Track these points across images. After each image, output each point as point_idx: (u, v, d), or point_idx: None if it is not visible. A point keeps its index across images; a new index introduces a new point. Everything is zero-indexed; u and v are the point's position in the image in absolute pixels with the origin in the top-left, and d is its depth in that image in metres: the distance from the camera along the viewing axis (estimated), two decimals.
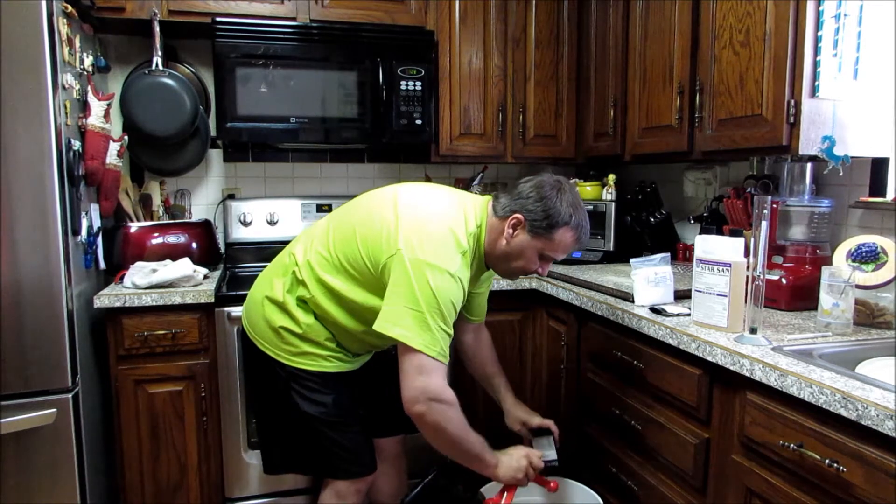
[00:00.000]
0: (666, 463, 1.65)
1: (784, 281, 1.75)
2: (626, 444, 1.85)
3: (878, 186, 1.82)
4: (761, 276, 1.42)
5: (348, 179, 2.92)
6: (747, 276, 1.47)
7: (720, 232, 2.16)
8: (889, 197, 1.79)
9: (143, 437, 2.10)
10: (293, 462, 1.74)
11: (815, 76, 1.59)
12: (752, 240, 1.43)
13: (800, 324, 1.61)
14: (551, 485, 1.78)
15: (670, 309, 1.73)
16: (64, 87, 1.82)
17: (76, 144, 1.93)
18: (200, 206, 2.74)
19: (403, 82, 2.48)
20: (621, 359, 1.83)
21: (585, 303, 2.00)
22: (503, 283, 2.36)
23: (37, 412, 1.77)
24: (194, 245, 2.39)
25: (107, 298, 2.00)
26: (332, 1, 2.46)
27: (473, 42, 2.62)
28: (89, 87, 2.08)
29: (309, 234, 1.68)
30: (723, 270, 1.52)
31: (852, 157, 1.66)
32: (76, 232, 1.91)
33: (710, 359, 1.44)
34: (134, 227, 2.34)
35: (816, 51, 1.59)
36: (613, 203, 2.56)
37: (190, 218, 2.68)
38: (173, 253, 2.31)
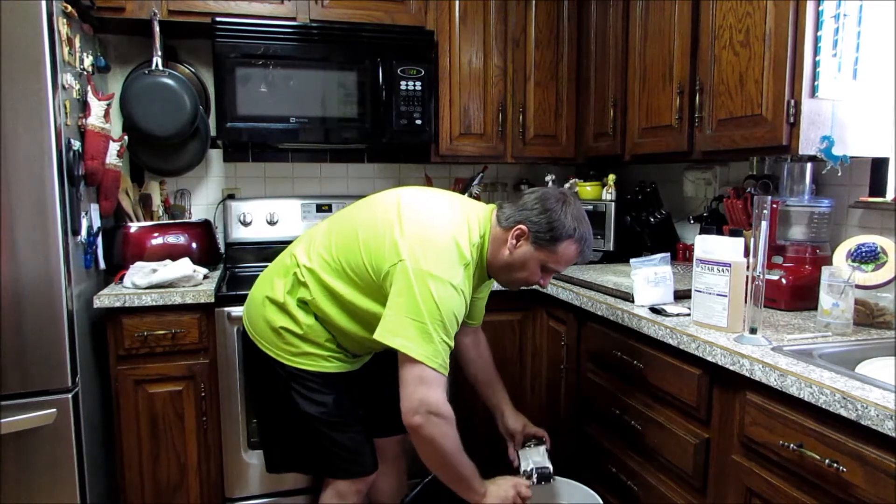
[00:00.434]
0: (666, 463, 1.65)
1: (784, 281, 1.75)
2: (626, 444, 1.85)
3: (877, 186, 1.82)
4: (761, 276, 1.42)
5: (348, 179, 2.92)
6: (747, 276, 1.47)
7: (720, 232, 2.16)
8: (889, 197, 1.79)
9: (143, 437, 2.10)
10: (294, 461, 1.74)
11: (815, 76, 1.59)
12: (752, 240, 1.43)
13: (800, 324, 1.61)
14: None
15: (670, 309, 1.73)
16: (64, 87, 1.82)
17: (76, 144, 1.93)
18: (200, 206, 2.74)
19: (403, 82, 2.48)
20: (621, 359, 1.83)
21: (585, 303, 2.00)
22: None
23: (37, 412, 1.77)
24: (194, 245, 2.39)
25: (107, 298, 2.00)
26: (332, 1, 2.46)
27: (473, 42, 2.62)
28: (89, 87, 2.08)
29: (310, 236, 1.68)
30: (723, 270, 1.52)
31: (852, 157, 1.66)
32: (76, 232, 1.91)
33: (710, 359, 1.44)
34: (134, 227, 2.34)
35: (816, 51, 1.59)
36: (613, 203, 2.56)
37: (190, 218, 2.67)
38: (173, 253, 2.31)
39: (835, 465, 1.13)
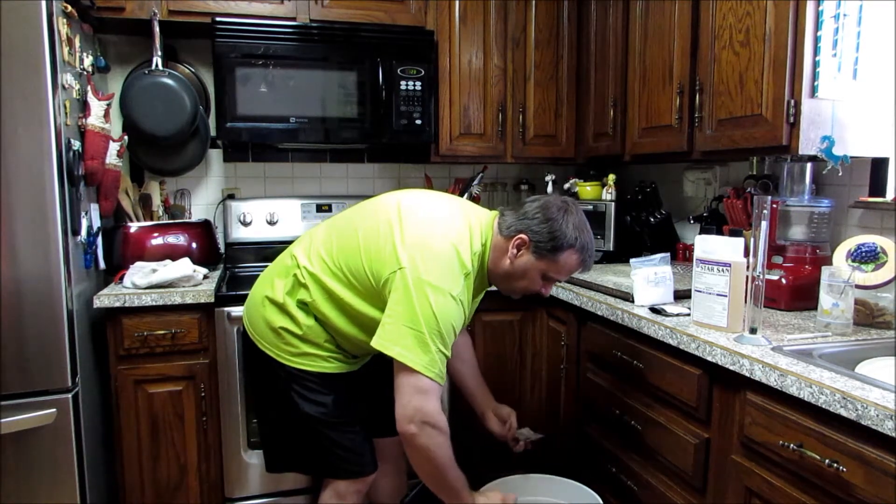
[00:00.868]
0: (666, 463, 1.65)
1: (784, 281, 1.75)
2: (626, 444, 1.85)
3: (877, 186, 1.82)
4: (761, 276, 1.42)
5: (348, 179, 2.92)
6: (747, 276, 1.47)
7: (720, 232, 2.16)
8: (889, 197, 1.79)
9: (143, 437, 2.10)
10: (294, 462, 1.74)
11: (815, 76, 1.59)
12: (752, 240, 1.43)
13: (800, 324, 1.61)
14: None
15: (670, 309, 1.73)
16: (64, 87, 1.82)
17: (76, 144, 1.93)
18: (200, 206, 2.74)
19: (403, 82, 2.48)
20: (621, 359, 1.83)
21: (585, 303, 2.00)
22: None
23: (37, 412, 1.77)
24: (194, 245, 2.39)
25: (107, 298, 2.00)
26: (332, 1, 2.46)
27: (473, 42, 2.62)
28: (89, 87, 2.08)
29: (311, 236, 1.67)
30: (722, 270, 1.52)
31: (852, 157, 1.66)
32: (76, 232, 1.91)
33: (709, 359, 1.44)
34: (134, 227, 2.34)
35: (816, 51, 1.59)
36: (613, 203, 2.56)
37: (190, 218, 2.67)
38: (173, 253, 2.31)
39: (835, 465, 1.13)
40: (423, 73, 2.49)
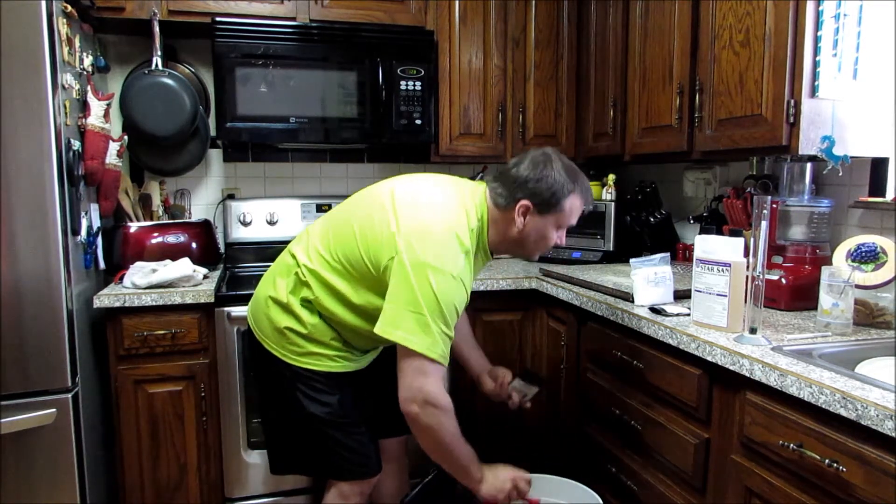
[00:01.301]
0: (666, 463, 1.65)
1: (784, 281, 1.75)
2: (625, 444, 1.85)
3: (877, 186, 1.82)
4: (761, 276, 1.42)
5: (348, 179, 2.92)
6: (747, 276, 1.47)
7: (720, 232, 2.16)
8: (889, 197, 1.79)
9: (143, 437, 2.10)
10: (298, 463, 1.74)
11: (815, 76, 1.59)
12: (752, 240, 1.43)
13: (799, 324, 1.61)
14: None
15: (670, 309, 1.73)
16: (64, 87, 1.82)
17: (76, 144, 1.93)
18: (200, 206, 2.74)
19: (403, 82, 2.48)
20: (621, 359, 1.83)
21: (585, 303, 2.00)
22: (503, 283, 2.36)
23: (37, 412, 1.77)
24: (194, 245, 2.39)
25: (106, 298, 2.00)
26: (332, 1, 2.46)
27: (473, 42, 2.62)
28: (89, 87, 2.08)
29: (308, 233, 1.67)
30: (722, 270, 1.52)
31: (852, 157, 1.66)
32: (76, 232, 1.91)
33: (709, 359, 1.44)
34: (134, 227, 2.34)
35: (816, 51, 1.59)
36: (613, 203, 2.56)
37: (190, 218, 2.67)
38: (173, 253, 2.31)
39: (835, 465, 1.13)
40: (423, 73, 2.49)
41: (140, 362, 2.07)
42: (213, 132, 2.62)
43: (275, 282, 1.65)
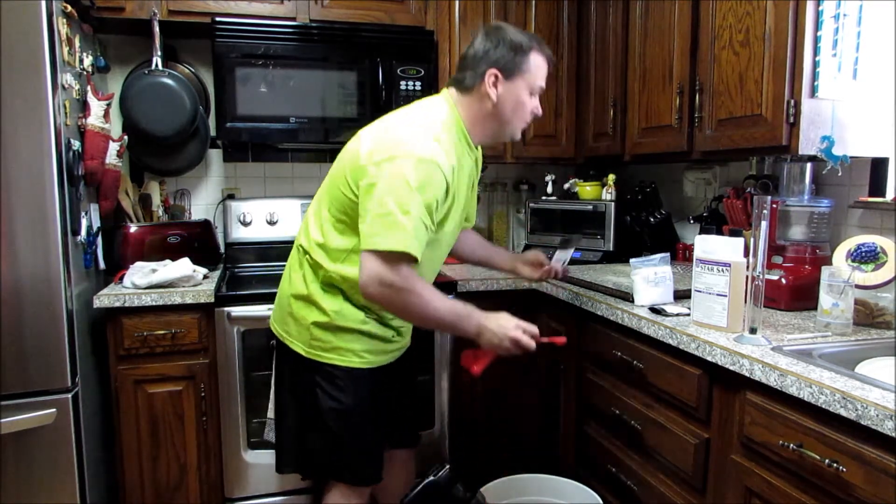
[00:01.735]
0: (666, 463, 1.65)
1: (784, 281, 1.75)
2: (625, 444, 1.85)
3: (877, 186, 1.82)
4: (761, 276, 1.42)
5: None
6: (747, 276, 1.47)
7: (720, 232, 2.16)
8: (889, 197, 1.79)
9: (143, 437, 2.10)
10: (304, 460, 1.74)
11: (815, 76, 1.59)
12: (752, 240, 1.43)
13: (799, 324, 1.61)
14: (558, 340, 1.72)
15: (670, 309, 1.73)
16: (64, 87, 1.82)
17: (76, 144, 1.93)
18: (200, 206, 2.74)
19: (403, 82, 2.48)
20: (621, 359, 1.83)
21: (585, 303, 2.00)
22: (503, 283, 2.36)
23: (37, 412, 1.77)
24: (194, 245, 2.39)
25: (106, 298, 2.00)
26: (332, 1, 2.46)
27: None
28: (89, 87, 2.08)
29: (305, 218, 1.70)
30: (722, 270, 1.52)
31: (852, 157, 1.66)
32: (76, 232, 1.91)
33: (709, 359, 1.44)
34: (134, 227, 2.34)
35: (816, 51, 1.59)
36: (613, 203, 2.56)
37: (190, 218, 2.68)
38: (173, 253, 2.31)
39: (835, 465, 1.13)
40: (422, 73, 2.49)
41: (140, 362, 2.07)
42: (213, 132, 2.62)
43: (290, 279, 1.67)
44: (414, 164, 1.42)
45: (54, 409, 1.79)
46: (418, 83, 2.49)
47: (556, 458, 2.31)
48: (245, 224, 2.63)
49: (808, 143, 1.62)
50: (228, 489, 2.19)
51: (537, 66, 1.58)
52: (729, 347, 1.39)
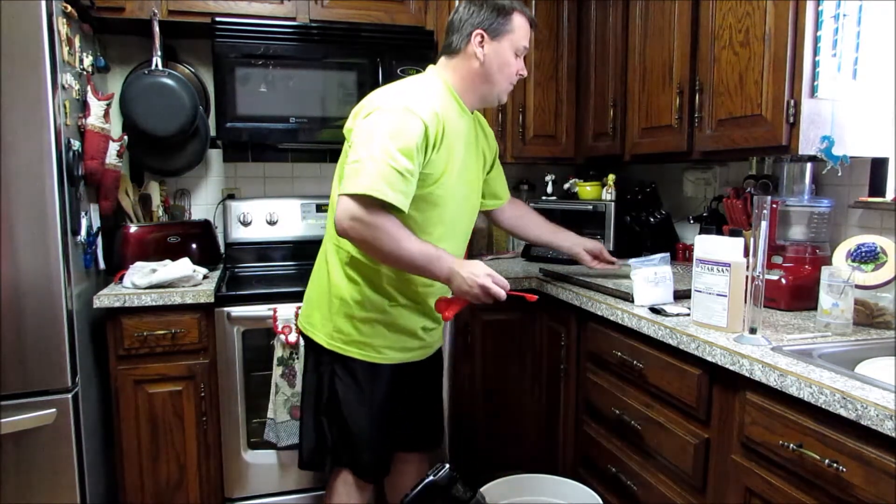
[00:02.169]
0: (666, 463, 1.65)
1: (783, 281, 1.75)
2: (625, 444, 1.85)
3: (877, 186, 1.82)
4: (761, 276, 1.42)
5: None
6: (747, 276, 1.47)
7: (720, 232, 2.16)
8: (889, 197, 1.79)
9: (143, 436, 2.10)
10: (319, 445, 1.78)
11: (815, 76, 1.59)
12: (752, 240, 1.43)
13: (799, 324, 1.61)
14: (529, 297, 1.71)
15: (670, 309, 1.73)
16: (64, 87, 1.82)
17: (76, 144, 1.93)
18: (200, 206, 2.74)
19: None
20: (621, 359, 1.83)
21: (585, 303, 2.00)
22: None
23: (37, 412, 1.77)
24: (194, 245, 2.39)
25: (106, 298, 2.00)
26: (332, 1, 2.46)
27: None
28: (89, 87, 2.08)
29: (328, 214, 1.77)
30: (722, 270, 1.52)
31: (852, 157, 1.66)
32: (76, 232, 1.91)
33: (709, 359, 1.44)
34: (134, 227, 2.34)
35: (816, 51, 1.59)
36: (613, 203, 2.56)
37: (190, 218, 2.67)
38: (173, 253, 2.31)
39: (834, 465, 1.13)
40: (422, 72, 2.48)
41: (140, 362, 2.07)
42: (213, 132, 2.62)
43: (317, 273, 1.76)
44: (386, 114, 1.51)
45: (54, 409, 1.79)
46: None
47: (556, 458, 2.31)
48: (245, 224, 2.63)
49: (807, 143, 1.62)
50: (228, 489, 2.19)
51: (520, 26, 1.65)
52: (729, 347, 1.39)
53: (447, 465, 1.63)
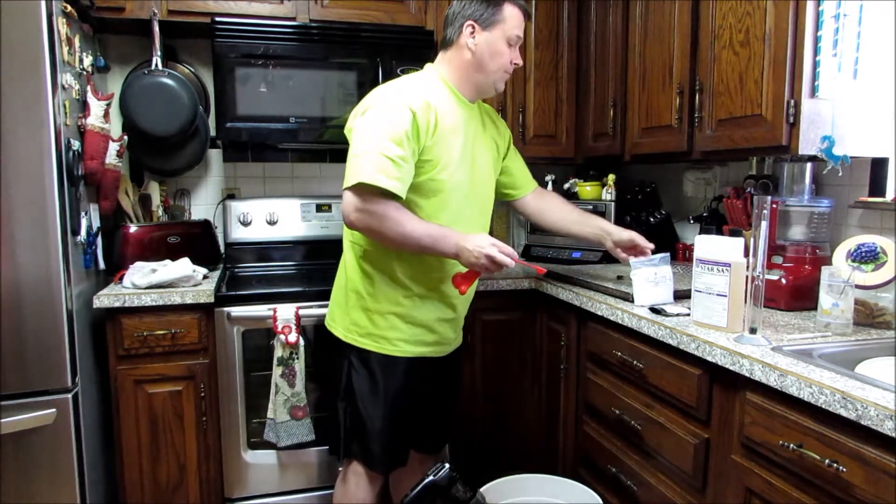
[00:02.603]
0: (666, 463, 1.65)
1: (784, 281, 1.75)
2: (626, 444, 1.85)
3: (877, 186, 1.82)
4: (761, 276, 1.42)
5: None
6: (747, 276, 1.47)
7: (720, 232, 2.16)
8: (889, 197, 1.79)
9: (143, 437, 2.10)
10: (333, 431, 1.86)
11: (815, 76, 1.59)
12: (752, 240, 1.43)
13: (799, 324, 1.61)
14: (539, 269, 1.81)
15: (670, 309, 1.73)
16: (63, 87, 1.82)
17: (76, 144, 1.93)
18: (200, 206, 2.74)
19: None
20: (621, 359, 1.83)
21: (585, 303, 2.00)
22: (503, 283, 2.36)
23: (37, 412, 1.77)
24: (194, 245, 2.39)
25: (106, 298, 2.00)
26: (332, 1, 2.46)
27: None
28: (89, 87, 2.08)
29: None
30: (722, 270, 1.52)
31: (852, 157, 1.66)
32: (76, 232, 1.91)
33: (709, 359, 1.44)
34: (133, 227, 2.34)
35: (816, 51, 1.59)
36: (613, 203, 2.56)
37: (190, 218, 2.67)
38: (173, 253, 2.31)
39: (834, 465, 1.13)
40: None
41: (140, 362, 2.07)
42: (213, 132, 2.62)
43: (338, 272, 1.83)
44: (378, 110, 1.58)
45: (54, 409, 1.79)
46: None
47: (556, 458, 2.31)
48: (245, 224, 2.63)
49: (808, 143, 1.62)
50: (228, 489, 2.19)
51: (512, 16, 1.68)
52: (729, 347, 1.39)
53: (447, 465, 1.63)
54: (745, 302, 1.47)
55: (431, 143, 1.62)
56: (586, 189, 2.70)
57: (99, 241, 2.19)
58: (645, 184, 2.64)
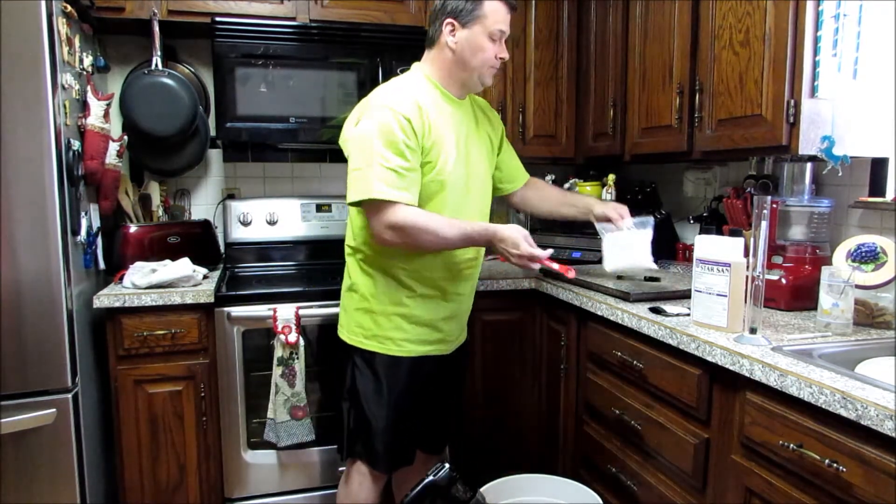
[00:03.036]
0: (666, 463, 1.65)
1: (784, 281, 1.75)
2: (625, 444, 1.85)
3: (877, 186, 1.82)
4: (761, 276, 1.42)
5: None
6: (747, 276, 1.47)
7: (720, 232, 2.16)
8: (889, 197, 1.79)
9: (143, 437, 2.10)
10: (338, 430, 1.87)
11: (815, 76, 1.59)
12: (752, 240, 1.43)
13: (799, 324, 1.61)
14: (567, 273, 1.83)
15: (670, 309, 1.73)
16: (63, 87, 1.82)
17: (76, 144, 1.93)
18: (200, 206, 2.74)
19: None
20: (621, 359, 1.83)
21: (585, 303, 2.00)
22: (503, 283, 2.36)
23: (37, 412, 1.77)
24: (194, 245, 2.39)
25: (106, 298, 2.00)
26: (332, 1, 2.46)
27: None
28: (89, 87, 2.08)
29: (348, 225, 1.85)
30: (722, 270, 1.52)
31: (852, 157, 1.66)
32: (76, 232, 1.91)
33: (709, 359, 1.44)
34: (133, 227, 2.34)
35: (816, 51, 1.59)
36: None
37: (190, 218, 2.67)
38: (173, 253, 2.31)
39: (834, 465, 1.13)
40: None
41: (140, 362, 2.07)
42: (213, 132, 2.62)
43: (344, 279, 1.84)
44: (372, 119, 1.60)
45: (54, 409, 1.78)
46: None
47: (556, 458, 2.31)
48: (245, 224, 2.63)
49: (808, 143, 1.62)
50: (228, 489, 2.19)
51: (493, 10, 1.66)
52: (729, 347, 1.39)
53: (447, 465, 1.63)
54: (745, 302, 1.47)
55: (429, 145, 1.63)
56: (586, 189, 2.69)
57: (99, 241, 2.19)
58: (645, 184, 2.64)
